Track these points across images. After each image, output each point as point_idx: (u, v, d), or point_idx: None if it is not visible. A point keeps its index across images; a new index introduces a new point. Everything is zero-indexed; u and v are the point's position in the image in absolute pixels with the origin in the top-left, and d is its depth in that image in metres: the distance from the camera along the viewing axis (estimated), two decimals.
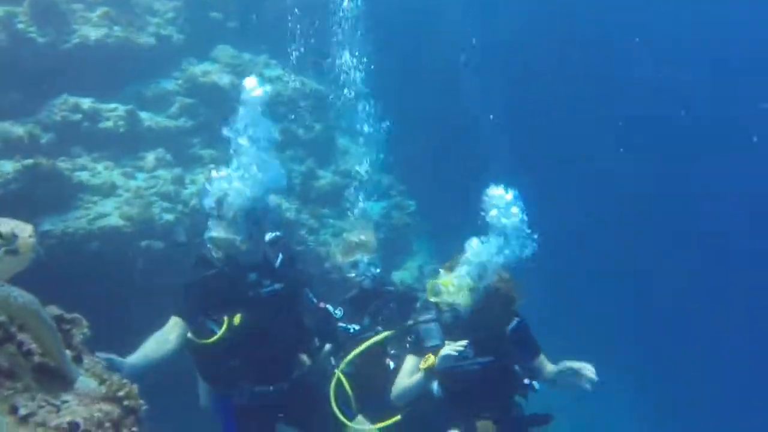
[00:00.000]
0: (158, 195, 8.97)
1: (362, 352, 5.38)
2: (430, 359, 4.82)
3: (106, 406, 2.84)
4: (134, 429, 2.87)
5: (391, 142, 12.31)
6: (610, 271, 16.57)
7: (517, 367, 4.95)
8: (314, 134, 11.90)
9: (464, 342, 4.73)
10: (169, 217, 8.77)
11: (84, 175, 8.74)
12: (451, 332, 4.93)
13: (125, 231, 8.37)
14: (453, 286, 4.86)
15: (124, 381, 3.04)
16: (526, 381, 4.91)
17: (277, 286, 5.19)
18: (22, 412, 2.51)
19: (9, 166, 8.00)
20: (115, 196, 8.77)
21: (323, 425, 5.44)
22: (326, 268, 10.22)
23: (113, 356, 4.29)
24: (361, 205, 11.66)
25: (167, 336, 5.01)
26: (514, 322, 5.00)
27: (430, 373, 4.86)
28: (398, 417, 5.11)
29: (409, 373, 5.04)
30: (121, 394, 2.90)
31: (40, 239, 7.04)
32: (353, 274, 5.82)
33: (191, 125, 10.20)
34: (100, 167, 9.07)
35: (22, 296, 2.70)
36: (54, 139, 8.91)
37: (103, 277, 7.99)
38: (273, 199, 9.96)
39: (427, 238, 13.32)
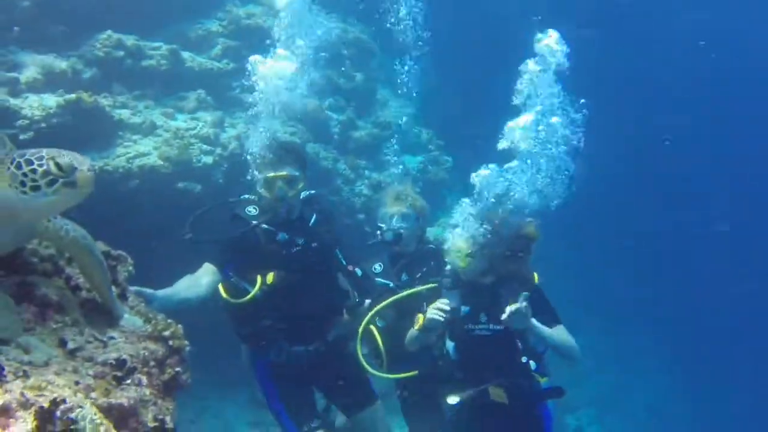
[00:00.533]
0: (197, 137, 8.92)
1: (390, 305, 5.28)
2: (420, 319, 4.81)
3: (152, 345, 2.84)
4: (178, 369, 2.87)
5: (432, 97, 12.20)
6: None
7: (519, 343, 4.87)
8: (355, 84, 11.77)
9: (445, 301, 4.73)
10: (208, 159, 8.74)
11: (125, 113, 8.72)
12: (467, 296, 4.89)
13: (163, 171, 8.35)
14: (455, 247, 4.81)
15: (170, 321, 3.03)
16: (524, 359, 4.83)
17: (311, 244, 5.19)
18: (71, 345, 2.51)
19: (52, 101, 7.98)
20: (155, 135, 8.74)
21: (350, 393, 5.50)
22: (359, 219, 10.23)
23: (145, 288, 4.29)
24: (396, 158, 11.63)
25: (199, 280, 5.00)
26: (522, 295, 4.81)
27: (423, 330, 4.83)
28: (415, 372, 5.13)
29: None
30: (166, 333, 2.89)
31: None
32: (384, 226, 5.57)
33: (233, 68, 10.08)
34: (140, 106, 9.05)
35: (74, 230, 2.69)
36: (96, 74, 8.86)
37: (139, 216, 8.02)
38: (310, 147, 10.05)
39: (460, 195, 13.22)
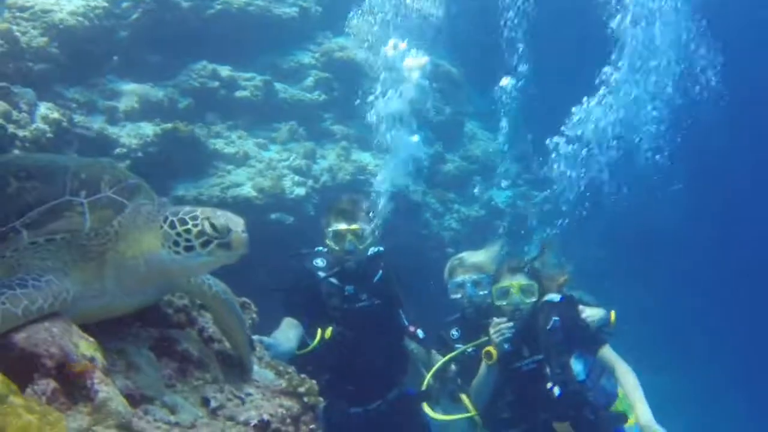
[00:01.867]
0: (290, 168, 8.86)
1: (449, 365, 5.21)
2: (492, 352, 4.79)
3: (287, 401, 2.67)
4: (312, 426, 2.66)
5: (522, 130, 11.94)
6: None
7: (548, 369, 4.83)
8: (444, 117, 11.59)
9: (504, 319, 4.79)
10: (300, 191, 8.64)
11: (219, 143, 8.71)
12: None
13: (257, 203, 8.28)
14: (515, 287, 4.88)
15: (303, 376, 2.83)
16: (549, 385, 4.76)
17: (374, 301, 5.07)
18: (213, 404, 2.33)
19: (149, 129, 8.01)
20: (248, 166, 8.71)
21: None
22: (448, 252, 9.97)
23: (264, 337, 4.13)
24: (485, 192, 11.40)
25: (288, 333, 4.82)
26: (552, 321, 4.86)
27: (491, 365, 4.83)
28: (473, 413, 5.00)
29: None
30: (301, 390, 2.71)
31: (172, 202, 6.97)
32: (459, 296, 5.40)
33: (324, 99, 10.03)
34: (233, 136, 9.03)
35: (216, 285, 2.60)
36: (191, 104, 8.88)
37: None
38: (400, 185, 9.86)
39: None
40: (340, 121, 10.12)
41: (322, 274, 4.99)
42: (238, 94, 9.24)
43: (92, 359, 1.96)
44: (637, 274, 14.46)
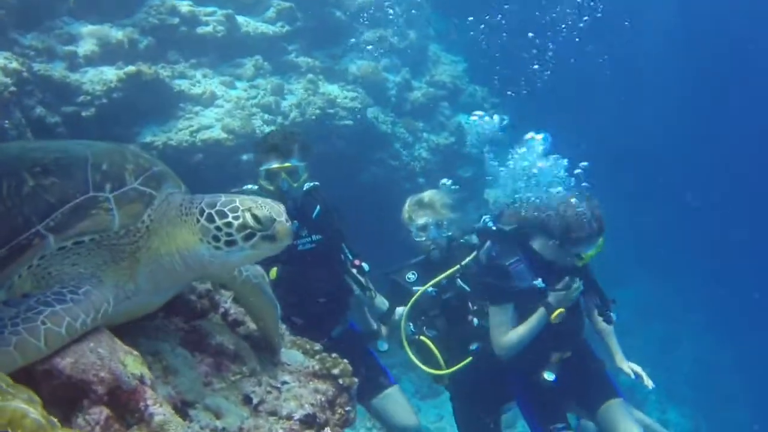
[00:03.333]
0: (258, 106, 8.64)
1: (440, 314, 5.17)
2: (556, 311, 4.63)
3: (322, 385, 2.64)
4: (347, 408, 2.64)
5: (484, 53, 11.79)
6: None
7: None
8: (408, 42, 11.35)
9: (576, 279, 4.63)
10: (270, 129, 8.43)
11: (184, 84, 8.44)
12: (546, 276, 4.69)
13: (227, 144, 8.09)
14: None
15: (334, 355, 2.78)
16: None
17: (315, 237, 4.88)
18: (255, 400, 2.26)
19: (111, 74, 7.71)
20: (216, 106, 8.46)
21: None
22: (419, 183, 9.91)
23: None
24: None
25: None
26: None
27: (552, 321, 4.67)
28: (470, 359, 4.95)
29: (506, 324, 4.74)
30: (335, 371, 2.68)
31: (141, 149, 6.73)
32: (423, 238, 5.28)
33: (287, 31, 9.71)
34: (198, 75, 8.75)
35: (246, 269, 2.45)
36: (151, 43, 8.52)
37: (202, 191, 7.76)
38: (370, 112, 9.71)
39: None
40: (305, 52, 9.86)
41: None
42: (200, 30, 8.89)
43: (141, 377, 1.87)
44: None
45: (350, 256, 5.05)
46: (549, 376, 4.68)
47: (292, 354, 2.75)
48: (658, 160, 17.29)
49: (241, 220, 2.10)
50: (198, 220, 2.12)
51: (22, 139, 6.21)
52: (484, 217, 5.14)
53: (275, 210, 2.14)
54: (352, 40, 10.57)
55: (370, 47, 10.33)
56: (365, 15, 10.65)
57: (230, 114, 8.31)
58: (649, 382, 4.86)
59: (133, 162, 2.19)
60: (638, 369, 4.90)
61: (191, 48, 8.90)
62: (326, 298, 4.97)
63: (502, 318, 4.74)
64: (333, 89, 9.55)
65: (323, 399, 2.52)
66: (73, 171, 2.10)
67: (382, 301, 5.31)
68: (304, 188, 4.83)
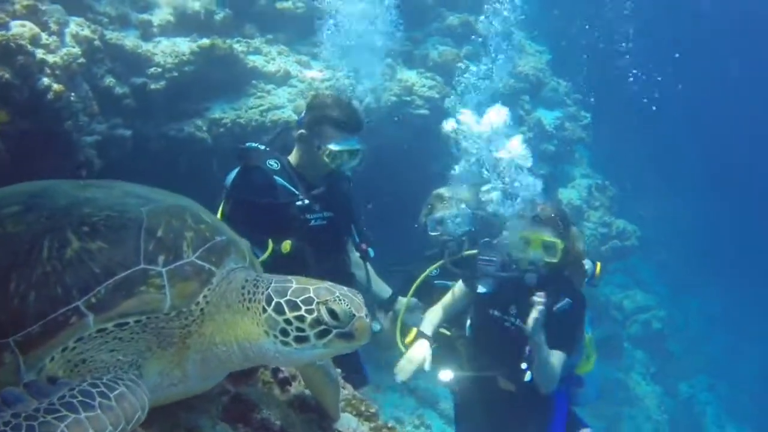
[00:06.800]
0: (333, 89, 8.29)
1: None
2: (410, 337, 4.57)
3: None
4: None
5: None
6: None
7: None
8: (493, 29, 10.85)
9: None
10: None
11: (258, 60, 8.15)
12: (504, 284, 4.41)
13: None
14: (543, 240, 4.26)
15: (392, 425, 2.45)
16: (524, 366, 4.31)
17: (326, 214, 4.45)
18: None
19: (185, 46, 7.46)
20: (289, 86, 8.17)
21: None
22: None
23: None
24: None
25: None
26: (564, 301, 4.26)
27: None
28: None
29: (448, 303, 4.71)
30: None
31: (209, 125, 6.33)
32: (438, 233, 5.03)
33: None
34: (274, 51, 8.44)
35: None
36: (228, 15, 8.25)
37: None
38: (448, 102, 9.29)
39: (590, 154, 12.37)
40: (384, 35, 9.46)
41: (278, 179, 4.27)
42: (279, 5, 8.59)
43: None
44: None
45: (357, 239, 4.74)
46: None
47: (344, 418, 2.43)
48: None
49: (315, 314, 1.78)
50: (264, 310, 1.79)
51: (87, 111, 5.97)
52: None
53: (355, 304, 1.80)
54: (435, 24, 10.16)
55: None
56: None
57: (303, 95, 7.99)
58: None
59: (193, 228, 1.88)
60: None
61: (269, 23, 8.64)
62: (331, 278, 4.63)
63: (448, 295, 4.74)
64: (411, 75, 9.17)
65: None
66: (124, 235, 1.80)
67: (383, 289, 5.05)
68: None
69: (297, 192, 4.34)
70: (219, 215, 4.38)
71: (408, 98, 8.89)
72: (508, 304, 4.37)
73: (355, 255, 4.78)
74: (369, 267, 4.82)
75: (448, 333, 4.86)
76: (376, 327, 4.79)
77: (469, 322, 4.64)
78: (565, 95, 11.53)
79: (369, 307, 4.91)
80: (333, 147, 4.23)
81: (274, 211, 4.31)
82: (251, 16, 8.48)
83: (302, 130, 4.36)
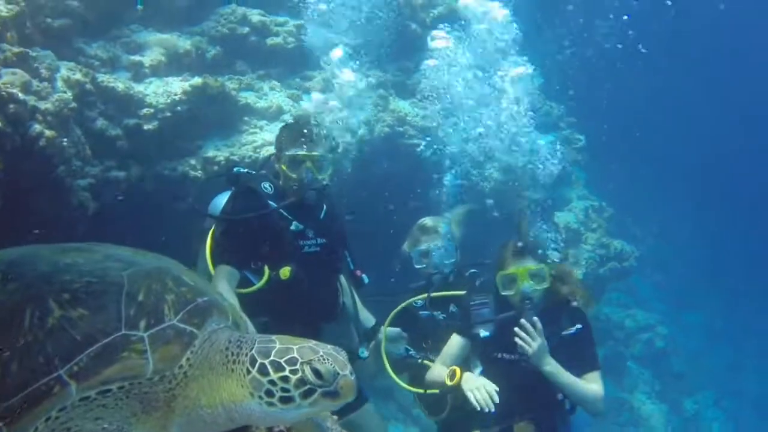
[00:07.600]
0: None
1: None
2: (458, 375, 4.29)
3: None
4: None
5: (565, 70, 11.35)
6: None
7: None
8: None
9: (493, 388, 4.12)
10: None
11: (250, 97, 8.18)
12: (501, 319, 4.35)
13: None
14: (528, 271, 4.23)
15: None
16: (560, 396, 4.27)
17: (319, 241, 4.56)
18: None
19: (176, 86, 7.48)
20: (281, 121, 8.18)
21: None
22: (488, 204, 9.54)
23: None
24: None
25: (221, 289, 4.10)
26: (573, 328, 4.29)
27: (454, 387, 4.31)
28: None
29: (449, 356, 4.55)
30: None
31: (202, 164, 6.39)
32: (423, 265, 5.08)
33: (357, 42, 9.39)
34: (265, 87, 8.48)
35: None
36: (219, 53, 8.31)
37: None
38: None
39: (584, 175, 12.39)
40: (376, 65, 9.52)
41: (272, 203, 4.39)
42: (270, 41, 8.64)
43: None
44: None
45: (351, 265, 4.83)
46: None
47: None
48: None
49: (299, 374, 1.80)
50: (249, 371, 1.81)
51: (80, 155, 6.00)
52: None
53: (339, 362, 1.82)
54: (426, 52, 10.21)
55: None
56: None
57: None
58: None
59: (174, 291, 1.89)
60: None
61: (260, 59, 8.67)
62: (322, 304, 4.71)
63: (446, 348, 4.58)
64: (404, 105, 9.21)
65: None
66: (105, 301, 1.81)
67: (367, 317, 5.06)
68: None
69: (291, 217, 4.44)
70: (208, 242, 4.46)
71: (401, 128, 8.92)
72: (513, 343, 4.23)
73: (344, 282, 4.85)
74: (356, 295, 4.90)
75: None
76: (364, 354, 4.82)
77: (479, 370, 4.49)
78: (558, 119, 11.57)
79: (353, 335, 4.97)
80: (286, 152, 4.46)
81: (269, 235, 4.38)
82: (242, 52, 8.51)
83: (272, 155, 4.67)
